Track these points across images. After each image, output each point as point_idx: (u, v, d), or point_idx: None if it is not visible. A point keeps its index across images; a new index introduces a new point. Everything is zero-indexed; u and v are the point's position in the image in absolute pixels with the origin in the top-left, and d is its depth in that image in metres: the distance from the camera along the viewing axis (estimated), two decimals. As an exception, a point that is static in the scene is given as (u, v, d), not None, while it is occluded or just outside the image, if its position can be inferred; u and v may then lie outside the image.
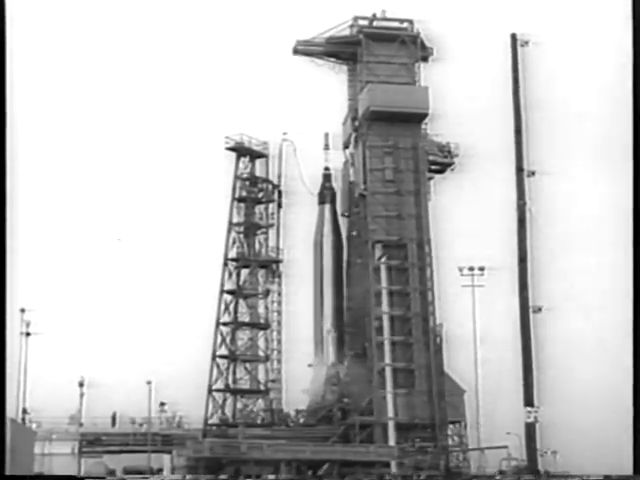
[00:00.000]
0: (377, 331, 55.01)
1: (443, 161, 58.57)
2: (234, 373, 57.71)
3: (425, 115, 57.03)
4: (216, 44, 61.96)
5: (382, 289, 55.51)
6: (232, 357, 57.59)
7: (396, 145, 57.12)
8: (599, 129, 53.77)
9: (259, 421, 57.25)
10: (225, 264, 58.27)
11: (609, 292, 50.13)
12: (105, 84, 63.68)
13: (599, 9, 52.46)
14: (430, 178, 58.13)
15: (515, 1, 55.17)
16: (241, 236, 59.26)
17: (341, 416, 54.61)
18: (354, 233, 59.05)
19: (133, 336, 56.93)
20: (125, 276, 60.52)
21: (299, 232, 60.31)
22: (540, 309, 51.81)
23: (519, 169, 53.70)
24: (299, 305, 59.51)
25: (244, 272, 58.98)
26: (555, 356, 51.22)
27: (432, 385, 54.57)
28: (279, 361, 58.93)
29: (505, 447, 51.79)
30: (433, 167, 58.57)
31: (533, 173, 53.23)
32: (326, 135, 60.26)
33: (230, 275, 58.56)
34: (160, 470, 50.34)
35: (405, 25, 58.38)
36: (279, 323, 59.42)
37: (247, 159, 59.66)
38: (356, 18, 58.39)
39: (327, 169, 61.07)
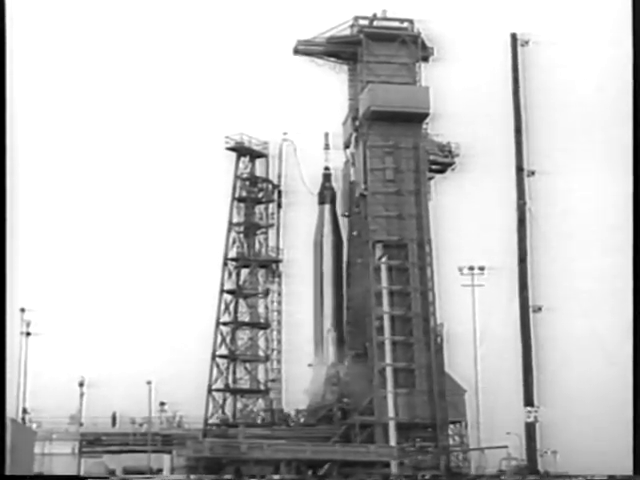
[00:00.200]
0: (378, 331, 55.00)
1: (444, 161, 58.58)
2: (234, 373, 57.72)
3: (426, 115, 57.02)
4: (216, 44, 61.94)
5: (383, 289, 55.51)
6: (232, 357, 57.60)
7: (397, 145, 57.10)
8: (599, 129, 53.77)
9: (259, 421, 57.27)
10: (225, 264, 58.28)
11: (609, 292, 50.11)
12: (105, 84, 63.67)
13: (599, 9, 52.43)
14: (431, 178, 58.16)
15: (515, 1, 55.18)
16: (241, 236, 59.28)
17: (341, 416, 54.62)
18: (355, 233, 59.04)
19: (133, 336, 56.95)
20: (125, 276, 60.54)
21: (299, 232, 60.36)
22: (540, 309, 51.77)
23: (519, 169, 53.65)
24: (299, 305, 59.53)
25: (244, 272, 59.00)
26: (555, 356, 51.19)
27: (433, 385, 54.57)
28: (279, 361, 58.94)
29: (505, 447, 51.80)
30: (434, 167, 58.59)
31: (533, 173, 53.18)
32: (326, 135, 60.27)
33: (230, 275, 58.58)
34: (160, 470, 50.35)
35: (406, 25, 58.39)
36: (279, 323, 59.44)
37: (247, 159, 59.67)
38: (356, 18, 58.36)
39: (327, 169, 61.07)
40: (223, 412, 56.84)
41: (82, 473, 49.50)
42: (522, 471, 50.56)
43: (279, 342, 59.20)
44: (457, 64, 56.53)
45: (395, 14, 58.26)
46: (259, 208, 59.83)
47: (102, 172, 62.72)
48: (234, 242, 58.97)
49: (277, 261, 59.47)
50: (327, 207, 60.71)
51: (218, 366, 57.15)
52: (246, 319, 58.58)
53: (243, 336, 58.44)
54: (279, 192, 60.11)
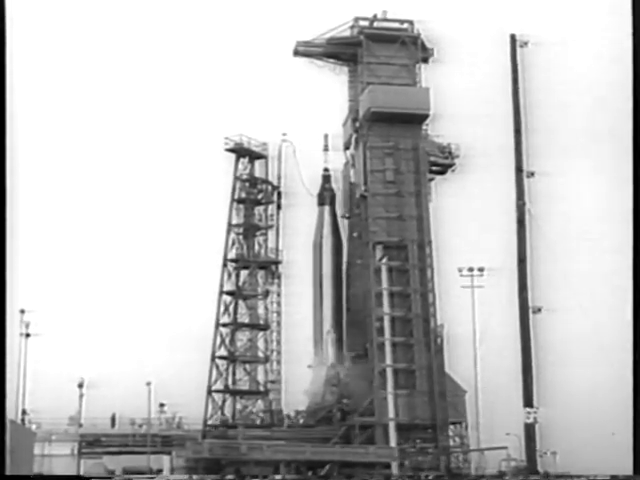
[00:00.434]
0: (378, 332, 55.00)
1: (444, 162, 58.58)
2: (234, 374, 57.69)
3: (426, 116, 57.04)
4: (216, 45, 61.91)
5: (383, 290, 55.52)
6: (231, 358, 57.57)
7: (397, 146, 57.12)
8: (599, 129, 53.80)
9: (258, 422, 57.24)
10: (224, 265, 58.26)
11: (609, 292, 50.13)
12: (105, 84, 63.63)
13: (599, 8, 52.48)
14: (431, 179, 58.18)
15: (515, 1, 55.20)
16: (240, 237, 59.25)
17: (341, 417, 54.60)
18: (355, 234, 59.05)
19: (133, 337, 56.90)
20: (125, 277, 60.50)
21: (298, 233, 60.28)
22: (540, 309, 51.81)
23: (518, 169, 53.70)
24: (299, 306, 59.47)
25: (243, 273, 58.98)
26: (555, 356, 51.20)
27: (433, 386, 54.57)
28: (279, 362, 58.89)
29: (505, 448, 51.79)
30: (434, 168, 58.61)
31: (532, 174, 53.21)
32: (325, 136, 60.26)
33: (229, 276, 58.56)
34: (160, 471, 50.32)
35: (405, 26, 58.41)
36: (279, 324, 59.40)
37: (246, 160, 59.67)
38: (357, 19, 58.41)
39: (327, 170, 61.07)
40: (222, 413, 56.82)
41: (81, 474, 49.48)
42: (521, 472, 50.56)
43: (279, 343, 59.16)
44: (457, 65, 56.55)
45: (395, 15, 58.31)
46: (258, 209, 59.81)
47: (102, 173, 62.69)
48: (233, 243, 58.95)
49: (277, 262, 59.45)
50: (327, 208, 60.70)
51: (218, 367, 57.13)
52: (246, 320, 58.55)
53: (243, 337, 58.41)
54: (279, 193, 60.10)
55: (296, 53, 58.71)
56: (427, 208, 57.06)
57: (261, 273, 59.37)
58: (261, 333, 58.80)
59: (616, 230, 44.50)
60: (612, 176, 49.36)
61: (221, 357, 57.33)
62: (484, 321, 53.83)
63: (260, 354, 58.50)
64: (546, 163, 53.15)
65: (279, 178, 60.21)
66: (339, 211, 60.76)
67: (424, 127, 57.85)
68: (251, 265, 58.90)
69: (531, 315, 52.07)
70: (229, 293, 58.26)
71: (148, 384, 52.05)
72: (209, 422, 55.91)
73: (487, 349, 53.55)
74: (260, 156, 59.74)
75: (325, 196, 60.81)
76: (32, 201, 51.31)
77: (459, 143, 58.24)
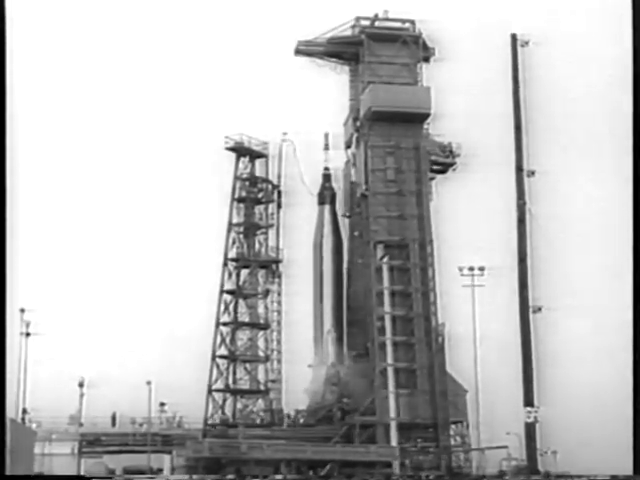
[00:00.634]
0: (379, 331, 54.99)
1: (445, 161, 58.57)
2: (234, 373, 57.72)
3: (427, 115, 57.03)
4: (218, 44, 61.99)
5: (384, 289, 55.50)
6: (232, 357, 57.60)
7: (398, 145, 57.10)
8: (599, 129, 53.80)
9: (259, 421, 57.24)
10: (225, 264, 58.27)
11: (609, 292, 50.14)
12: (105, 84, 63.72)
13: (599, 8, 52.45)
14: (432, 178, 58.15)
15: (515, 1, 55.21)
16: (241, 236, 59.27)
17: (341, 416, 54.59)
18: (356, 233, 59.04)
19: (133, 336, 56.96)
20: (125, 276, 60.57)
21: (299, 232, 60.30)
22: (540, 309, 51.80)
23: (519, 169, 53.68)
24: (299, 305, 59.51)
25: (244, 272, 59.01)
26: (555, 356, 51.19)
27: (434, 385, 54.56)
28: (279, 361, 58.94)
29: (505, 447, 51.79)
30: (435, 167, 58.59)
31: (533, 173, 53.20)
32: (326, 135, 60.25)
33: (230, 275, 58.57)
34: (160, 470, 50.34)
35: (407, 25, 58.37)
36: (279, 323, 59.44)
37: (247, 159, 59.65)
38: (358, 18, 58.37)
39: (327, 169, 61.05)
40: (223, 412, 56.85)
41: (82, 473, 49.48)
42: (522, 471, 50.56)
43: (279, 342, 59.20)
44: (458, 64, 56.56)
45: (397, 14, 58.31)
46: (259, 208, 59.82)
47: (102, 172, 62.78)
48: (234, 242, 58.95)
49: (277, 261, 59.46)
50: (327, 207, 60.70)
51: (218, 366, 57.15)
52: (246, 319, 58.58)
53: (243, 336, 58.44)
54: (279, 192, 60.11)
55: (297, 52, 58.68)
56: (428, 207, 57.04)
57: (261, 272, 59.38)
58: (261, 332, 58.83)
59: (616, 230, 44.46)
60: (612, 175, 49.34)
61: (221, 356, 57.35)
62: (484, 320, 53.89)
63: (260, 353, 58.52)
64: (546, 162, 53.17)
65: (279, 177, 60.27)
66: (340, 210, 60.77)
67: (425, 126, 57.84)
68: (251, 264, 58.91)
69: (531, 314, 52.05)
70: (229, 292, 58.26)
71: (148, 383, 52.04)
72: (209, 421, 55.97)
73: (487, 348, 53.57)
74: (260, 155, 59.74)
75: (325, 195, 60.80)
76: (32, 201, 51.31)
77: (460, 142, 58.29)
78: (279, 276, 59.60)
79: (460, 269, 54.67)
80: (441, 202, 57.44)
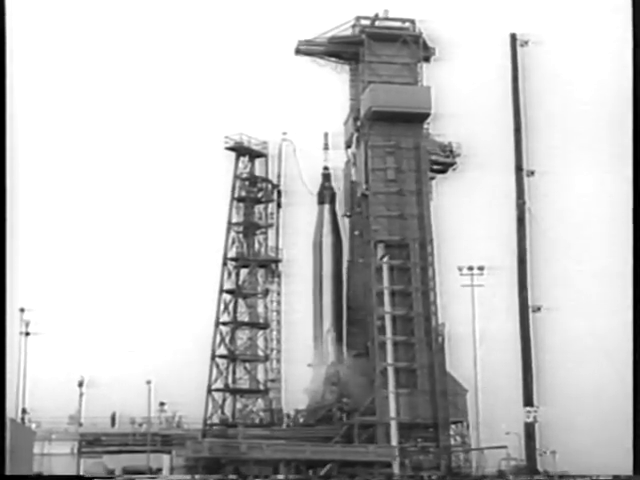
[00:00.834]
0: (379, 331, 55.00)
1: (445, 161, 58.60)
2: (233, 373, 57.70)
3: (427, 115, 57.05)
4: (218, 44, 61.94)
5: (384, 289, 55.50)
6: (231, 357, 57.58)
7: (398, 145, 57.12)
8: (599, 128, 53.77)
9: (258, 421, 57.23)
10: (224, 264, 58.25)
11: (609, 292, 50.11)
12: (105, 83, 63.67)
13: (598, 8, 52.44)
14: (432, 178, 58.16)
15: (516, 1, 55.18)
16: (240, 236, 59.25)
17: (340, 416, 54.59)
18: (356, 233, 59.06)
19: (132, 336, 56.90)
20: (125, 276, 60.52)
21: (298, 232, 60.29)
22: (539, 308, 51.75)
23: (518, 168, 53.63)
24: (298, 305, 59.50)
25: (243, 272, 59.00)
26: (554, 355, 51.17)
27: (434, 385, 54.57)
28: (278, 361, 58.93)
29: (505, 447, 51.80)
30: (435, 167, 58.60)
31: (532, 173, 53.15)
32: (325, 135, 60.29)
33: (229, 275, 58.56)
34: (159, 470, 50.31)
35: (407, 25, 58.37)
36: (278, 323, 59.44)
37: (246, 159, 59.63)
38: (358, 18, 58.37)
39: (326, 169, 61.05)
40: (222, 412, 56.82)
41: (81, 473, 49.45)
42: (521, 471, 50.57)
43: (278, 342, 59.19)
44: (459, 64, 56.56)
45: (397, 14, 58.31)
46: (258, 208, 59.81)
47: (102, 172, 62.73)
48: (233, 242, 58.94)
49: (276, 261, 59.45)
50: (326, 207, 60.73)
51: (217, 366, 57.13)
52: (245, 319, 58.57)
53: (242, 336, 58.42)
54: (278, 192, 60.11)
55: (298, 52, 58.67)
56: (428, 207, 57.05)
57: (261, 272, 59.37)
58: (261, 332, 58.82)
59: (616, 229, 44.42)
60: (612, 175, 49.32)
61: (221, 356, 57.33)
62: (484, 320, 53.87)
63: (260, 353, 58.51)
64: (546, 162, 53.14)
65: (279, 177, 60.25)
66: (340, 210, 60.80)
67: (425, 126, 57.84)
68: (251, 264, 58.90)
69: (531, 314, 52.01)
70: (229, 292, 58.25)
71: (148, 383, 52.01)
72: (209, 421, 55.93)
73: (487, 348, 53.55)
74: (260, 155, 59.72)
75: (325, 195, 60.83)
76: (32, 201, 51.26)
77: (460, 142, 58.30)
78: (279, 276, 59.61)
79: (460, 269, 54.71)
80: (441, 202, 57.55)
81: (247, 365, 58.23)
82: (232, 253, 58.62)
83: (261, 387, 57.98)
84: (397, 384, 54.25)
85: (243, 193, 59.32)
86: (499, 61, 53.97)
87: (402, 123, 56.95)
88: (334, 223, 60.59)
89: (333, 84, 59.53)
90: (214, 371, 56.87)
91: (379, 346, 54.78)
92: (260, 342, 58.65)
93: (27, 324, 52.79)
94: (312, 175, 60.07)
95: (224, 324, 57.72)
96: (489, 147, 55.62)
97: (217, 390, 56.85)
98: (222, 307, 57.79)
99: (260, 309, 59.02)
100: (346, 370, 56.01)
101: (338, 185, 60.84)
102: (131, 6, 62.02)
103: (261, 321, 58.80)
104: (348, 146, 60.26)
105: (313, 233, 60.46)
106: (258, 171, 59.92)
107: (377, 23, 58.70)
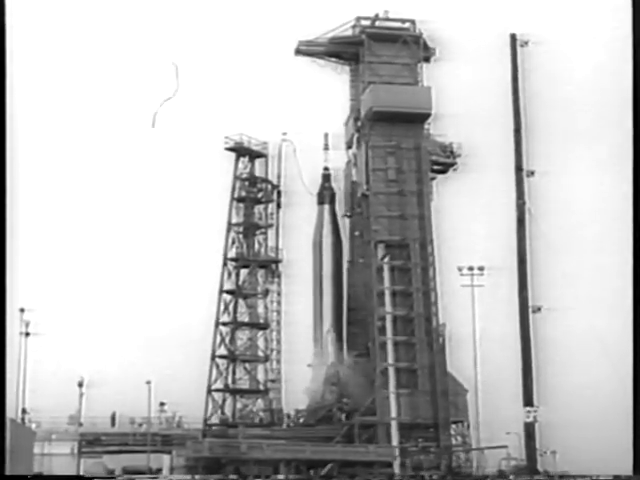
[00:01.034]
0: (380, 331, 55.01)
1: (445, 161, 58.63)
2: (233, 373, 57.73)
3: (428, 115, 57.05)
4: (218, 44, 61.89)
5: (385, 289, 55.51)
6: (231, 357, 57.61)
7: (399, 145, 57.14)
8: (599, 128, 53.78)
9: (258, 421, 57.24)
10: (224, 264, 58.30)
11: (609, 292, 50.09)
12: (105, 84, 63.60)
13: (598, 8, 52.45)
14: (432, 178, 58.18)
15: (516, 1, 55.18)
16: (240, 236, 59.29)
17: (340, 416, 54.59)
18: (357, 233, 59.10)
19: (132, 336, 56.89)
20: (125, 276, 60.48)
21: (298, 232, 60.29)
22: (540, 309, 51.70)
23: (518, 168, 53.59)
24: (299, 305, 59.49)
25: (243, 272, 59.05)
26: (555, 355, 51.15)
27: (435, 385, 54.58)
28: (278, 361, 58.96)
29: (505, 447, 51.80)
30: (435, 167, 58.62)
31: (532, 173, 53.12)
32: (325, 135, 60.30)
33: (229, 275, 58.60)
34: (159, 470, 50.29)
35: (407, 25, 58.39)
36: (278, 323, 59.47)
37: (246, 159, 59.67)
38: (358, 18, 58.40)
39: (326, 169, 61.07)
40: (223, 412, 56.85)
41: (81, 473, 49.45)
42: (522, 471, 50.55)
43: (278, 342, 59.22)
44: (459, 64, 56.54)
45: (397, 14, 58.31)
46: (258, 208, 59.85)
47: (102, 172, 62.67)
48: (233, 242, 58.98)
49: (276, 261, 59.49)
50: (326, 207, 60.74)
51: (218, 366, 57.16)
52: (245, 319, 58.61)
53: (242, 336, 58.46)
54: (278, 192, 60.15)
55: (298, 52, 58.70)
56: (429, 207, 57.06)
57: (261, 272, 59.41)
58: (261, 332, 58.85)
59: (616, 229, 44.42)
60: (612, 175, 49.31)
61: (221, 356, 57.37)
62: (484, 320, 53.88)
63: (260, 353, 58.54)
64: (546, 162, 53.12)
65: (279, 177, 60.28)
66: (341, 210, 60.82)
67: (426, 126, 57.86)
68: (251, 264, 58.93)
69: (531, 314, 51.98)
70: (229, 292, 58.29)
71: (148, 383, 51.96)
72: (209, 421, 55.95)
73: (487, 348, 53.57)
74: (260, 155, 59.76)
75: (325, 195, 60.85)
76: (32, 201, 51.28)
77: (460, 142, 58.30)
78: (279, 276, 59.64)
79: (460, 269, 54.73)
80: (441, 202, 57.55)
81: (247, 365, 58.27)
82: (232, 253, 58.66)
83: (261, 387, 58.01)
84: (398, 384, 54.26)
85: (243, 193, 59.37)
86: (499, 61, 53.97)
87: (403, 123, 56.96)
88: (334, 223, 60.61)
89: (333, 84, 59.56)
90: (214, 371, 56.92)
91: (380, 346, 54.79)
92: (260, 342, 58.70)
93: (27, 324, 52.82)
94: (312, 175, 60.10)
95: (224, 324, 57.76)
96: (489, 147, 55.65)
97: (217, 390, 56.88)
98: (222, 307, 57.84)
99: (260, 309, 59.06)
100: (346, 370, 56.05)
101: (338, 185, 60.88)
102: (131, 6, 61.97)
103: (261, 321, 58.84)
104: (349, 146, 60.28)
105: (313, 233, 60.46)
106: (258, 171, 59.96)
107: (377, 23, 58.72)
